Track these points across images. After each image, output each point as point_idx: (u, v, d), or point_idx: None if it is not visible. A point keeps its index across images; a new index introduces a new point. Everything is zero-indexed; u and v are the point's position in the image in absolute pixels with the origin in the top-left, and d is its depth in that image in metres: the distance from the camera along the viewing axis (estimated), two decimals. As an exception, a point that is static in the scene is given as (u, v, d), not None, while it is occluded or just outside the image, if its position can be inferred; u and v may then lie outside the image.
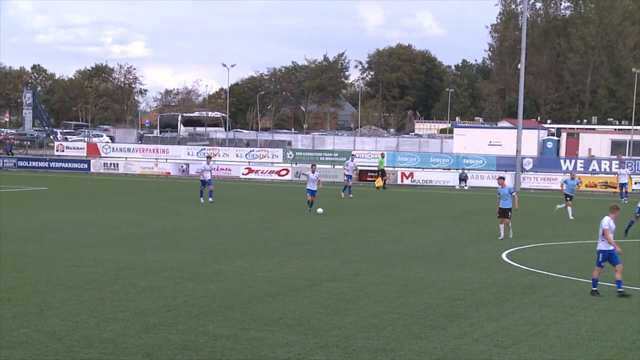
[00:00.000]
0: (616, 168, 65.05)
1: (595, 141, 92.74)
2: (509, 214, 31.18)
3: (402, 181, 68.00)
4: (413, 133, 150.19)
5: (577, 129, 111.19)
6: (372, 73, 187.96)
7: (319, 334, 16.20)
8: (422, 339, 16.03)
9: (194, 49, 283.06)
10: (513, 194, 31.63)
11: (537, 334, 16.69)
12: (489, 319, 17.91)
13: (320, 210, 38.12)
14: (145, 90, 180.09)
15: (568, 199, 41.42)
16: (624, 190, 53.05)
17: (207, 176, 45.50)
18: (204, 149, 77.25)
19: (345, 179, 54.69)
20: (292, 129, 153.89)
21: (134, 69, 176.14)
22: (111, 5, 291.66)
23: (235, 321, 17.09)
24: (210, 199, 44.91)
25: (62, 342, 15.16)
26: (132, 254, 25.91)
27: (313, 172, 42.16)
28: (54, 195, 48.78)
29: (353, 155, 61.68)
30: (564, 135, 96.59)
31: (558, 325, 17.51)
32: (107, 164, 72.84)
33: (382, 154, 66.89)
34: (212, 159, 53.43)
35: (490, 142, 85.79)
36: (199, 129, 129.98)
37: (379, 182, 61.89)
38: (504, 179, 32.32)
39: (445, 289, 21.34)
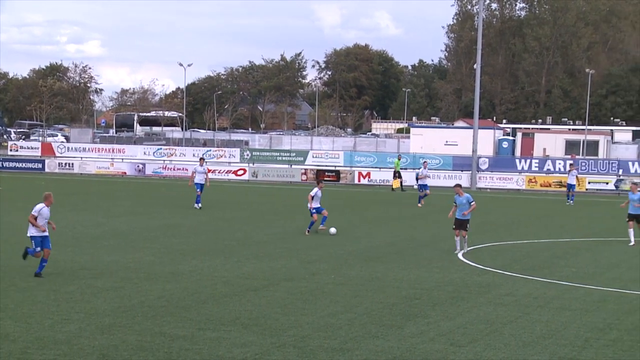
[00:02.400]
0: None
1: (550, 141, 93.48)
2: (467, 225, 28.08)
3: (359, 181, 68.15)
4: (370, 133, 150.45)
5: (532, 128, 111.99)
6: (330, 73, 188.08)
7: (276, 333, 16.20)
8: (378, 338, 16.08)
9: (150, 48, 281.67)
10: (472, 203, 28.04)
11: (493, 332, 16.82)
12: (445, 318, 18.02)
13: (333, 230, 32.70)
14: (101, 90, 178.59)
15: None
16: (570, 193, 52.45)
17: (200, 179, 42.46)
18: (161, 148, 76.87)
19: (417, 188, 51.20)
20: (250, 129, 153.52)
21: (90, 68, 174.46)
22: (66, 4, 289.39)
23: (192, 321, 17.04)
24: (198, 205, 41.64)
25: (16, 344, 15.02)
26: (87, 254, 25.72)
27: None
28: (7, 195, 48.27)
29: (425, 161, 55.99)
30: (519, 135, 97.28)
31: (513, 323, 17.66)
32: (62, 163, 72.17)
33: (398, 156, 66.40)
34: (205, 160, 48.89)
35: (446, 142, 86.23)
36: (156, 129, 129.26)
37: (396, 184, 61.62)
38: (460, 186, 29.19)
39: (402, 288, 21.43)
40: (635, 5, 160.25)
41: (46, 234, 21.68)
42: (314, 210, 32.99)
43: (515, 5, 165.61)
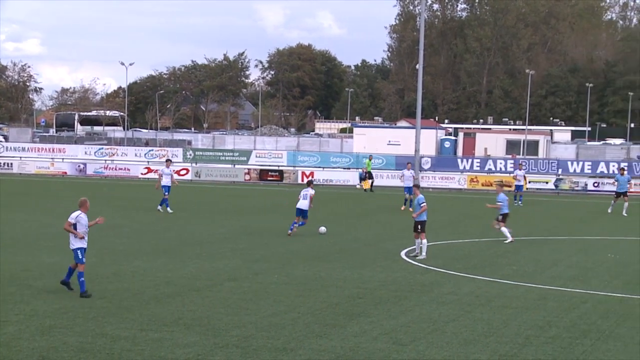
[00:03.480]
0: (512, 167, 66.48)
1: (491, 141, 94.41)
2: (419, 227, 27.12)
3: (302, 180, 68.12)
4: (313, 132, 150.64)
5: (473, 128, 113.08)
6: (273, 73, 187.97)
7: (219, 334, 16.14)
8: (322, 337, 16.10)
9: (91, 47, 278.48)
10: (422, 204, 27.24)
11: (435, 331, 16.94)
12: (388, 317, 18.10)
13: (322, 229, 32.81)
14: (41, 89, 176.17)
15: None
16: (519, 193, 52.66)
17: (167, 182, 40.74)
18: (102, 148, 76.13)
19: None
20: (192, 129, 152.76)
21: (29, 66, 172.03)
22: (4, 2, 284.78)
23: (134, 322, 16.91)
24: (164, 208, 40.29)
25: (-46, 347, 14.77)
26: (28, 255, 25.38)
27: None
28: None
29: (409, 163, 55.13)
30: (461, 134, 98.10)
31: (455, 322, 17.80)
32: (0, 163, 71.14)
33: (370, 156, 66.34)
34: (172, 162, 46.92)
35: (389, 141, 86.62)
36: (97, 128, 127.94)
37: (366, 185, 61.59)
38: (418, 187, 28.86)
39: (346, 287, 21.48)
40: (573, 7, 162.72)
41: (86, 245, 19.94)
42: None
43: (457, 6, 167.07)
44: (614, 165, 69.11)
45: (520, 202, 51.39)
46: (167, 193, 40.71)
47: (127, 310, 18.02)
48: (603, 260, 27.83)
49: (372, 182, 61.51)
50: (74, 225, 19.68)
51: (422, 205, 27.24)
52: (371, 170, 62.63)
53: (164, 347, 15.13)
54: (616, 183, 46.55)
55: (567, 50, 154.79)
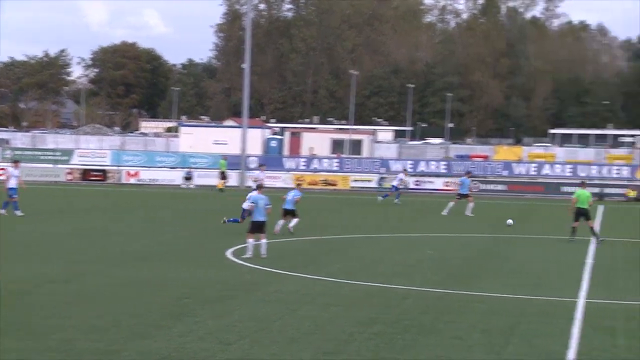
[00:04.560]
0: (337, 167, 67.45)
1: (317, 140, 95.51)
2: (264, 228, 27.12)
3: (127, 180, 67.12)
4: (139, 132, 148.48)
5: (299, 128, 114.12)
6: (96, 70, 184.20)
7: (39, 338, 15.66)
8: (146, 338, 15.88)
9: None
10: (268, 206, 27.09)
11: (261, 329, 16.99)
12: (214, 316, 18.03)
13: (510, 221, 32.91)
14: None
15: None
16: (394, 193, 53.32)
17: (12, 183, 38.52)
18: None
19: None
20: (10, 127, 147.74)
21: None
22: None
23: (-52, 329, 16.21)
24: (9, 211, 38.22)
25: None
26: None
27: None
28: None
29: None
30: (287, 134, 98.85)
31: (281, 320, 17.90)
32: None
33: (224, 157, 65.41)
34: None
35: (216, 141, 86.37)
36: None
37: (221, 184, 60.73)
38: (261, 187, 28.38)
39: (172, 288, 21.27)
40: (396, 10, 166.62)
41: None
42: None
43: (282, 6, 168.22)
44: (433, 164, 71.33)
45: (397, 200, 52.02)
46: (15, 196, 38.44)
47: (-59, 316, 17.25)
48: (423, 257, 28.63)
49: (225, 182, 61.63)
50: None
51: (267, 207, 27.05)
52: (225, 171, 62.52)
53: (-20, 354, 14.57)
54: (461, 185, 47.68)
55: (389, 52, 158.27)
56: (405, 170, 59.55)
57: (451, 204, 45.90)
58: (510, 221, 39.34)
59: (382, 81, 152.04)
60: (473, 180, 53.78)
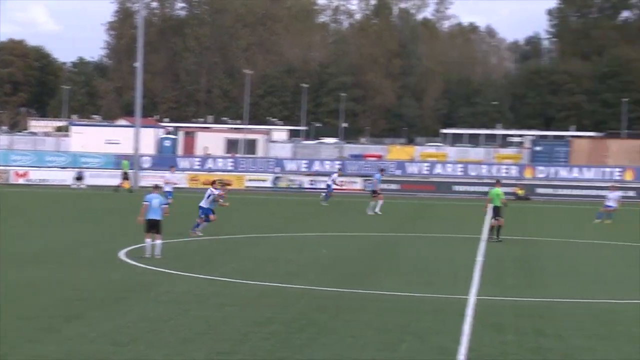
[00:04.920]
0: (231, 166, 67.23)
1: (211, 140, 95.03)
2: (160, 227, 26.49)
3: (16, 180, 65.61)
4: (27, 131, 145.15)
5: (194, 127, 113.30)
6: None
7: None
8: (36, 342, 15.52)
9: None
10: (164, 205, 26.67)
11: (154, 330, 16.79)
12: (106, 318, 17.74)
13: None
14: None
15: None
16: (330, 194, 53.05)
17: None
18: None
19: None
20: None
21: None
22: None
23: None
24: None
25: None
26: None
27: None
28: None
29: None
30: (181, 133, 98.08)
31: (174, 321, 17.72)
32: None
33: (126, 157, 64.21)
34: None
35: (108, 140, 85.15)
36: None
37: (126, 185, 59.71)
38: (158, 187, 27.68)
39: (63, 290, 20.86)
40: (289, 10, 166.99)
41: None
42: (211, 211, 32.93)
43: (175, 5, 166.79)
44: (327, 164, 71.74)
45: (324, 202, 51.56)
46: None
47: None
48: (318, 256, 28.73)
49: (128, 182, 61.11)
50: None
51: (163, 206, 26.62)
52: (127, 171, 61.70)
53: None
54: (375, 182, 47.88)
55: (283, 51, 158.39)
56: (339, 170, 59.73)
57: (372, 202, 46.19)
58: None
59: (275, 81, 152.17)
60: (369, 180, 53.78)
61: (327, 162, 72.97)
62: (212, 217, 33.30)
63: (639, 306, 20.88)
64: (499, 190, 34.46)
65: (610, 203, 43.61)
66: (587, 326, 18.19)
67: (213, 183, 34.73)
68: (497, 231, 33.51)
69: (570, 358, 15.54)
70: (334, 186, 53.01)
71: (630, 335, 17.36)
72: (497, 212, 33.75)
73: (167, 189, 43.36)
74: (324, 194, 53.12)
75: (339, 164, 69.62)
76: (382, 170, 52.36)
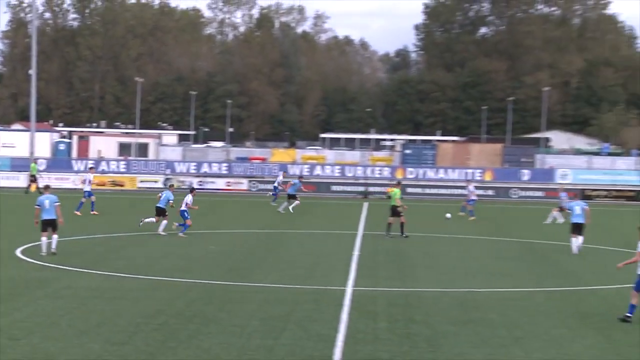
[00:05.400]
0: (124, 168, 66.28)
1: (105, 143, 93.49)
2: (56, 225, 25.87)
3: None
4: None
5: (87, 132, 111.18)
6: None
7: None
8: None
9: None
10: (56, 204, 26.00)
11: (51, 324, 16.45)
12: (2, 314, 17.27)
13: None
14: None
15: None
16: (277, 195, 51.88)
17: None
18: None
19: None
20: None
21: None
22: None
23: None
24: None
25: None
26: None
27: None
28: None
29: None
30: (75, 137, 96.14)
31: (70, 315, 17.39)
32: None
33: (34, 160, 61.75)
34: None
35: (3, 144, 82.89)
36: None
37: (33, 187, 57.44)
38: (48, 187, 27.03)
39: (-41, 287, 20.20)
40: (177, 22, 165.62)
41: None
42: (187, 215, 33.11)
43: (68, 15, 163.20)
44: (215, 166, 71.42)
45: (274, 202, 50.54)
46: None
47: None
48: (206, 251, 28.58)
49: (37, 185, 59.14)
50: None
51: (56, 204, 26.04)
52: (35, 174, 59.80)
53: None
54: (292, 185, 47.68)
55: (172, 61, 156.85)
56: (283, 172, 59.20)
57: (285, 203, 45.90)
58: (448, 215, 42.83)
59: (166, 88, 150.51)
60: (283, 181, 53.20)
61: (215, 164, 72.57)
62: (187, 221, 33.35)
63: (495, 294, 21.50)
64: (398, 190, 34.93)
65: (473, 197, 44.79)
66: (451, 313, 18.62)
67: (192, 191, 35.26)
68: (401, 228, 33.80)
69: (436, 342, 15.89)
70: (280, 188, 52.52)
71: (489, 321, 17.87)
72: (394, 210, 34.12)
73: (87, 188, 43.38)
74: (272, 194, 53.12)
75: (193, 166, 69.71)
76: (300, 177, 52.45)
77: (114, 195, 58.24)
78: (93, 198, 42.77)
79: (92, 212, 41.45)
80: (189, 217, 33.36)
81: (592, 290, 22.22)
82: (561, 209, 41.12)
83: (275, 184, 53.42)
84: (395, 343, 15.67)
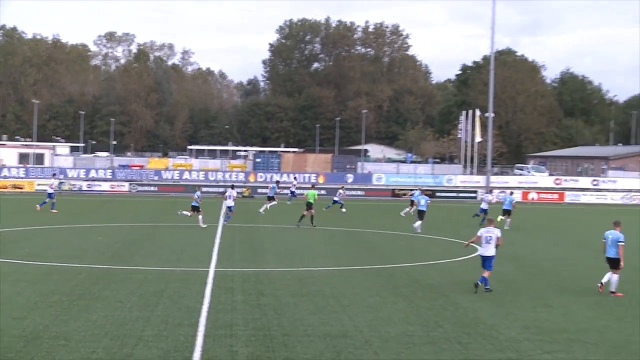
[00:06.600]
0: (23, 174, 63.13)
1: (6, 153, 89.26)
2: None
3: None
4: None
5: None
6: None
7: None
8: None
9: None
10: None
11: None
12: None
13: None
14: None
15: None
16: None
17: None
18: None
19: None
20: None
21: None
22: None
23: None
24: None
25: None
26: None
27: None
28: None
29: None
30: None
31: (-24, 297, 16.43)
32: None
33: None
34: None
35: None
36: None
37: None
38: None
39: None
40: (68, 54, 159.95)
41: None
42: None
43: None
44: (101, 172, 69.36)
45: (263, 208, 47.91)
46: None
47: None
48: (95, 242, 27.67)
49: None
50: None
51: None
52: None
53: None
54: (271, 189, 45.47)
55: (64, 86, 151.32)
56: (295, 177, 58.06)
57: (266, 205, 43.85)
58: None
59: (59, 108, 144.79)
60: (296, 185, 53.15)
61: (101, 170, 70.39)
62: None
63: (326, 272, 21.81)
64: (314, 191, 36.92)
65: (292, 188, 46.20)
66: (293, 288, 18.75)
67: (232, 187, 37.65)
68: (311, 219, 34.79)
69: (281, 311, 15.98)
70: (296, 191, 53.95)
71: (322, 293, 18.12)
72: (309, 205, 35.21)
73: (50, 190, 42.64)
74: (289, 196, 53.29)
75: (83, 172, 67.41)
76: (277, 182, 50.70)
77: (15, 196, 55.39)
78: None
79: None
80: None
81: (400, 268, 22.91)
82: (412, 203, 41.70)
83: (292, 189, 54.50)
84: (248, 312, 15.66)
